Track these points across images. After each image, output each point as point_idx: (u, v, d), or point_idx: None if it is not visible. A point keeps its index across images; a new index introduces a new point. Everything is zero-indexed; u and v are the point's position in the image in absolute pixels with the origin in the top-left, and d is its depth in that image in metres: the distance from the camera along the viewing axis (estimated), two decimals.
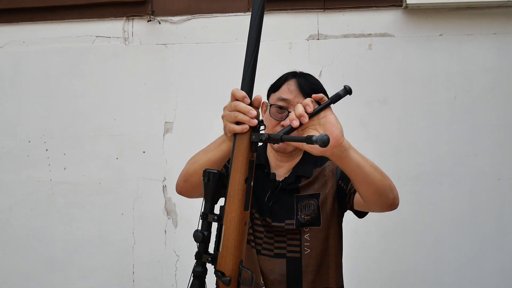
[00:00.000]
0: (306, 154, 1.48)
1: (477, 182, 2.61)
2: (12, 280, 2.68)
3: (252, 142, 1.02)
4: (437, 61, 2.65)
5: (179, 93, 2.69)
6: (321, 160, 1.47)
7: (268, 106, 1.41)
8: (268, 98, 1.46)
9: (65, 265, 2.68)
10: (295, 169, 1.45)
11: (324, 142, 0.89)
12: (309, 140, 0.90)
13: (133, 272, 2.67)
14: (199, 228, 1.04)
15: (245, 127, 1.01)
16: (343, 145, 1.07)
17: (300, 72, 1.44)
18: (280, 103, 1.37)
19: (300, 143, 1.05)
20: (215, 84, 2.68)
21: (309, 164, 1.46)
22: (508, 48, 2.64)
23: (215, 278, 1.03)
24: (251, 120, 1.01)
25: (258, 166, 1.43)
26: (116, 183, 2.70)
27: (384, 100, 2.65)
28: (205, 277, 1.06)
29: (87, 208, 2.69)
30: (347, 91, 1.10)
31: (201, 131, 2.63)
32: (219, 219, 1.03)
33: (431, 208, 2.61)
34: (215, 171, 1.03)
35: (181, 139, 2.67)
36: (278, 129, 1.36)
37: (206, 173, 1.03)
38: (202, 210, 1.05)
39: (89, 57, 2.73)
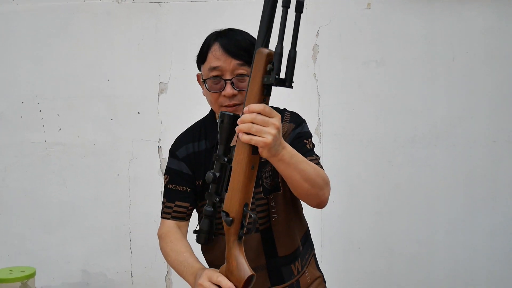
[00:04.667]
0: None
1: (473, 144, 2.61)
2: (8, 241, 2.70)
3: (263, 85, 1.04)
4: (436, 21, 2.60)
5: (173, 53, 2.65)
6: None
7: (202, 81, 1.37)
8: (199, 69, 1.42)
9: (62, 226, 2.69)
10: None
11: None
12: None
13: (130, 232, 2.69)
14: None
15: None
16: (272, 149, 1.05)
17: (222, 30, 1.37)
18: (213, 74, 1.32)
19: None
20: None
21: None
22: (508, 9, 2.59)
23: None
24: None
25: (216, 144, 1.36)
26: (111, 144, 2.69)
27: (381, 61, 2.62)
28: (215, 217, 1.12)
29: (82, 169, 2.69)
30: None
31: (196, 92, 2.59)
32: (229, 161, 1.08)
33: (427, 170, 2.62)
34: (231, 114, 1.07)
35: (176, 100, 2.64)
36: (222, 99, 1.31)
37: (221, 115, 1.07)
38: (216, 152, 1.09)
39: (80, 16, 2.66)
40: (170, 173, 1.42)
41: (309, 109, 2.62)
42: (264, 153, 1.04)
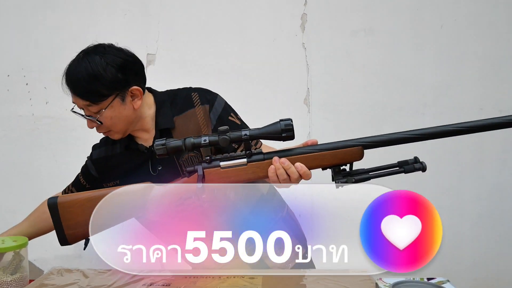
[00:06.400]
0: (159, 103, 1.43)
1: (460, 112, 2.64)
2: (0, 215, 2.70)
3: (333, 170, 1.18)
4: None
5: (160, 23, 2.62)
6: (182, 105, 1.42)
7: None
8: None
9: None
10: (156, 124, 1.41)
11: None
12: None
13: None
14: None
15: None
16: None
17: (74, 61, 1.38)
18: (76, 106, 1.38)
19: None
20: (198, 14, 2.60)
21: (167, 114, 1.42)
22: None
23: None
24: None
25: (129, 149, 1.44)
26: None
27: (370, 30, 2.61)
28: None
29: (72, 142, 2.67)
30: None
31: (185, 63, 2.59)
32: (248, 156, 1.16)
33: None
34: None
35: (165, 71, 2.62)
36: (90, 124, 1.38)
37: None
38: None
39: None
40: (83, 166, 1.59)
41: (298, 79, 2.62)
42: None
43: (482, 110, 2.63)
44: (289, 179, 1.14)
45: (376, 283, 1.14)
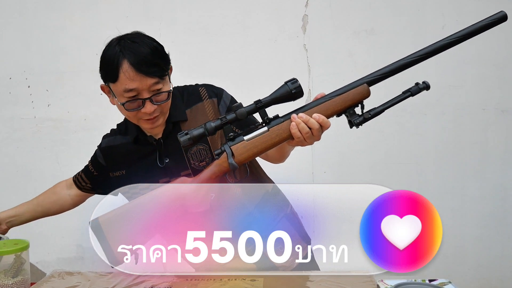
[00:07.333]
0: (173, 97, 1.41)
1: (462, 112, 2.63)
2: None
3: (346, 114, 1.24)
4: None
5: (162, 25, 2.62)
6: (190, 100, 1.43)
7: (115, 100, 1.34)
8: (105, 82, 1.37)
9: None
10: (169, 117, 1.41)
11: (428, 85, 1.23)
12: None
13: None
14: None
15: None
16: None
17: (125, 42, 1.31)
18: (130, 95, 1.29)
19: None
20: (199, 15, 2.60)
21: (180, 107, 1.42)
22: None
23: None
24: None
25: (139, 140, 1.44)
26: (101, 119, 2.66)
27: (371, 30, 2.60)
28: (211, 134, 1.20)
29: (74, 145, 2.68)
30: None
31: (186, 64, 2.58)
32: (268, 121, 1.19)
33: (416, 138, 2.65)
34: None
35: None
36: (141, 115, 1.32)
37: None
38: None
39: None
40: (93, 155, 1.60)
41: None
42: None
43: (484, 110, 2.62)
44: (311, 132, 1.16)
45: (378, 285, 1.14)
